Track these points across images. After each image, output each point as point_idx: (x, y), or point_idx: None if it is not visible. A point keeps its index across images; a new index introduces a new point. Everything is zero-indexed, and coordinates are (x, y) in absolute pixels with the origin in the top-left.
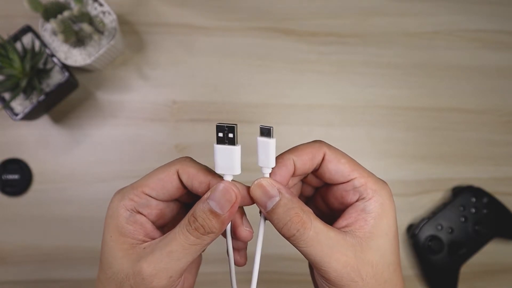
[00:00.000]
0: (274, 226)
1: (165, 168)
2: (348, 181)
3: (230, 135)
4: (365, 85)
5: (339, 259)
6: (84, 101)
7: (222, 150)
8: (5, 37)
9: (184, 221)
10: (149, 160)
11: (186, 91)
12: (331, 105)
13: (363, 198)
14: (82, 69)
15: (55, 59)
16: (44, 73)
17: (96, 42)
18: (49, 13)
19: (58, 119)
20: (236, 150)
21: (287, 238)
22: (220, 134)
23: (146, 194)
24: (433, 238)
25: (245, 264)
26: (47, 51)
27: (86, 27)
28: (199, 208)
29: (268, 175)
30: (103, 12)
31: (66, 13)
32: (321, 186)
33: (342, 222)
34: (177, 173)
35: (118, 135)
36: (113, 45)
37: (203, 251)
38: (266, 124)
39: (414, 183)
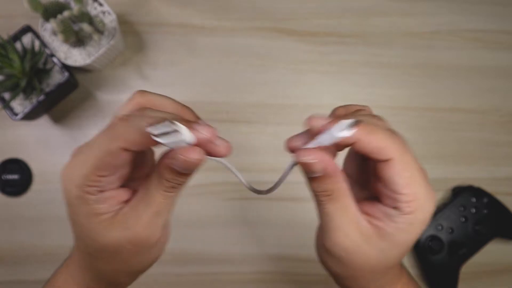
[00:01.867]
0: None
1: (107, 147)
2: (396, 193)
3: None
4: (365, 85)
5: (340, 237)
6: (84, 101)
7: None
8: (5, 37)
9: (157, 181)
10: None
11: (186, 91)
12: (331, 105)
13: (397, 209)
14: (82, 69)
15: (55, 59)
16: (44, 73)
17: (96, 42)
18: (49, 13)
19: (58, 119)
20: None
21: (314, 198)
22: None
23: (102, 176)
24: (433, 238)
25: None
26: (47, 51)
27: (86, 27)
28: (167, 173)
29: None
30: (103, 12)
31: (66, 13)
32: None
33: (367, 207)
34: (123, 148)
35: None
36: (113, 45)
37: None
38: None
39: None
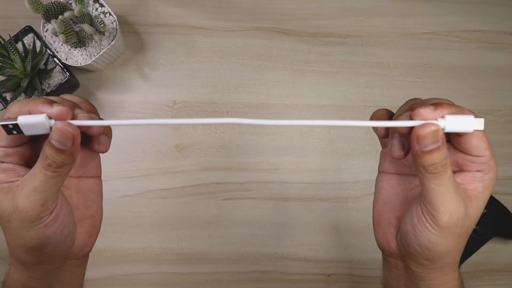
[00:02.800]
0: (418, 161)
1: None
2: (480, 156)
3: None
4: (365, 85)
5: (455, 205)
6: None
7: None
8: (7, 37)
9: (40, 159)
10: (149, 160)
11: (186, 91)
12: (331, 105)
13: (481, 171)
14: (83, 69)
15: (56, 60)
16: (45, 73)
17: (96, 43)
18: (50, 14)
19: None
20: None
21: (426, 174)
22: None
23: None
24: None
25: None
26: (48, 51)
27: (87, 27)
28: (47, 149)
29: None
30: (104, 13)
31: (67, 14)
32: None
33: (457, 179)
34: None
35: (118, 135)
36: (113, 46)
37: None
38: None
39: None
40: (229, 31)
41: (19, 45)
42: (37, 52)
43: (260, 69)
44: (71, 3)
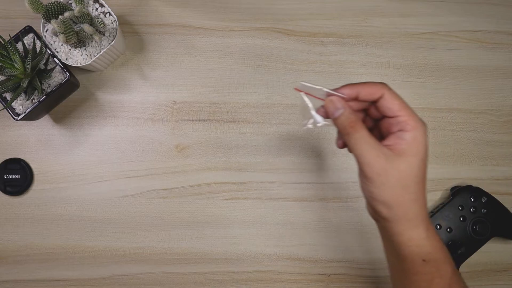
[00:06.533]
0: (336, 127)
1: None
2: (395, 117)
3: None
4: None
5: (373, 157)
6: (84, 101)
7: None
8: (7, 37)
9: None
10: (149, 160)
11: (186, 91)
12: None
13: (402, 130)
14: (83, 70)
15: (56, 60)
16: (45, 73)
17: (97, 43)
18: (50, 14)
19: (59, 119)
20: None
21: (343, 136)
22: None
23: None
24: None
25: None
26: (48, 51)
27: (87, 27)
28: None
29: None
30: (104, 13)
31: (67, 14)
32: (379, 119)
33: (383, 142)
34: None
35: (118, 135)
36: (113, 46)
37: None
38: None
39: None
40: (229, 31)
41: (19, 45)
42: (37, 52)
43: (260, 69)
44: (71, 3)
